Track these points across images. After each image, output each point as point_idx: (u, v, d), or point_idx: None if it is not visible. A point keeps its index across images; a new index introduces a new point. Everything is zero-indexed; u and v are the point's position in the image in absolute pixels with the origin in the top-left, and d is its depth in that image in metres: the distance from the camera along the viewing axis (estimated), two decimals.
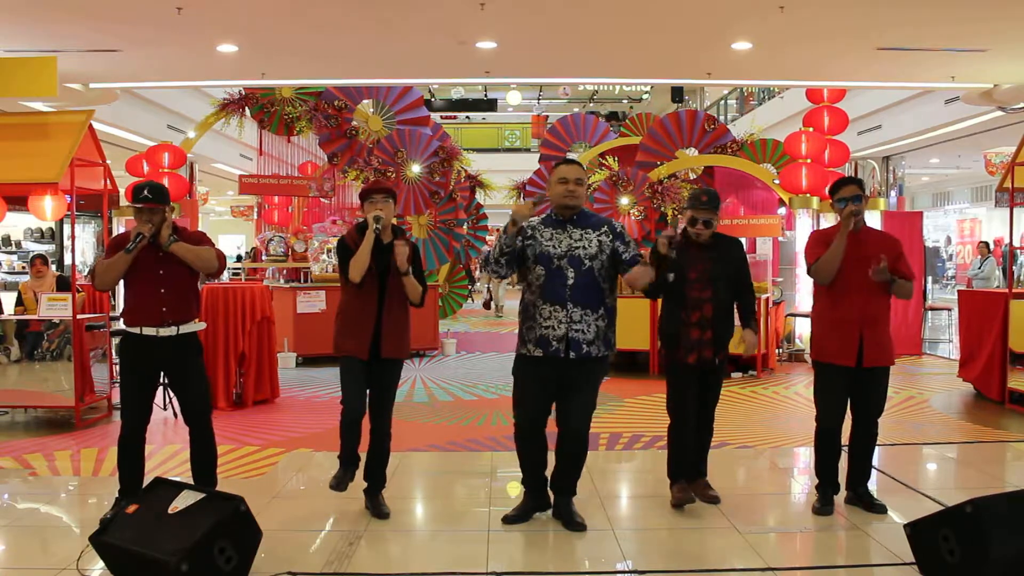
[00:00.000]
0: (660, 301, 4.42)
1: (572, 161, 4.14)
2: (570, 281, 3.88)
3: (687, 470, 4.35)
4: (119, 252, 3.97)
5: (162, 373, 4.22)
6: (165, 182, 10.23)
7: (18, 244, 14.55)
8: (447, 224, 11.73)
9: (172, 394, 6.62)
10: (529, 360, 3.97)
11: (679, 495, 4.26)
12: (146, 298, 4.03)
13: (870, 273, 4.05)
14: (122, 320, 4.17)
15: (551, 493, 4.16)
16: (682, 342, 4.20)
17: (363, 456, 4.28)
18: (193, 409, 4.18)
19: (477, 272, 18.23)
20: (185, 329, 4.10)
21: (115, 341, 7.42)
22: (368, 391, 4.22)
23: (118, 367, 4.22)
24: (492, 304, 17.72)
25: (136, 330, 4.04)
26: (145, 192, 3.99)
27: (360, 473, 4.28)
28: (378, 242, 4.16)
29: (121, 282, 4.10)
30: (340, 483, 4.17)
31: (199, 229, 4.47)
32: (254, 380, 7.40)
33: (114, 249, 4.05)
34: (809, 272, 4.30)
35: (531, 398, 4.01)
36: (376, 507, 4.26)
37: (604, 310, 3.97)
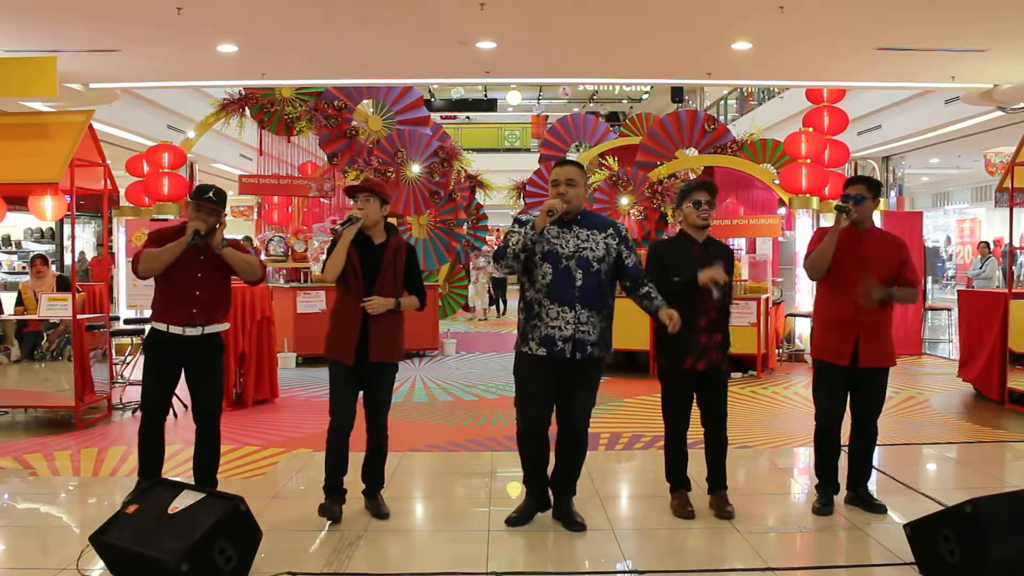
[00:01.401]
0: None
1: (566, 162, 4.07)
2: (579, 283, 3.87)
3: (686, 479, 4.33)
4: (177, 241, 4.05)
5: (183, 370, 4.26)
6: (165, 182, 10.25)
7: (18, 244, 14.58)
8: (447, 224, 11.73)
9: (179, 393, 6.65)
10: (531, 359, 3.95)
11: (679, 508, 4.24)
12: (179, 297, 4.12)
13: (860, 301, 4.03)
14: (150, 316, 4.27)
15: (551, 493, 4.16)
16: (693, 348, 4.14)
17: (356, 456, 4.24)
18: (204, 409, 4.23)
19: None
20: (210, 329, 4.19)
21: (116, 341, 7.44)
22: (362, 394, 4.17)
23: (142, 361, 4.32)
24: (474, 305, 17.34)
25: (163, 327, 4.13)
26: (210, 193, 4.13)
27: (357, 473, 4.25)
28: (367, 243, 4.10)
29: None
30: (330, 511, 4.07)
31: (237, 239, 4.52)
32: (254, 380, 7.40)
33: (157, 241, 4.13)
34: (804, 266, 4.28)
35: (534, 398, 4.00)
36: (376, 508, 4.24)
37: (607, 311, 3.99)
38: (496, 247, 4.01)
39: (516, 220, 4.03)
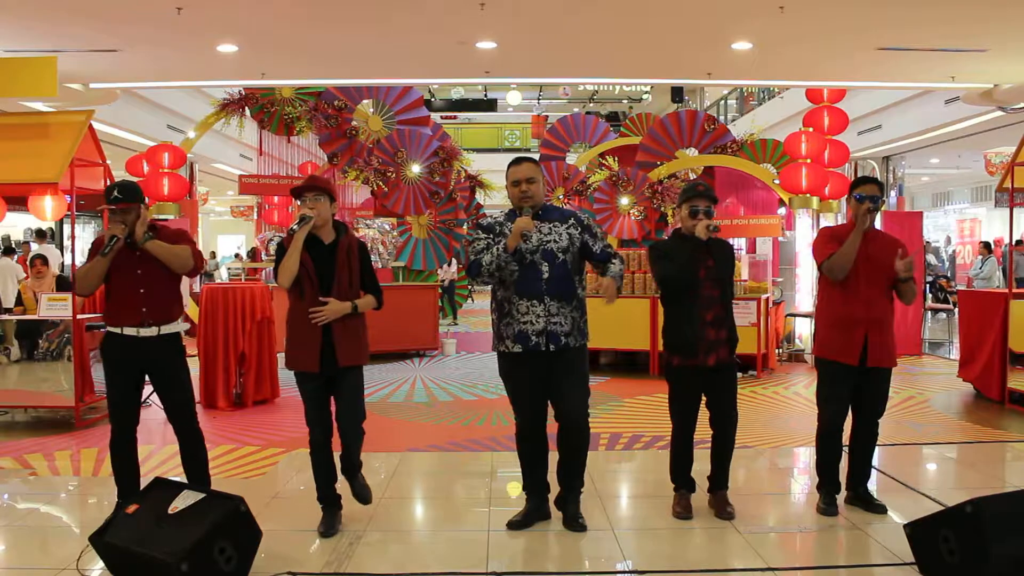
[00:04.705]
0: (662, 308, 4.37)
1: (522, 160, 4.06)
2: (545, 275, 3.88)
3: (690, 480, 4.33)
4: (96, 256, 3.95)
5: (146, 375, 4.12)
6: (165, 182, 10.24)
7: (18, 244, 14.55)
8: (447, 224, 11.72)
9: None
10: (509, 358, 3.96)
11: (679, 510, 4.24)
12: (126, 298, 4.00)
13: (898, 267, 4.04)
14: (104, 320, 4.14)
15: (558, 486, 4.13)
16: (700, 345, 4.12)
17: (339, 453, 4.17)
18: (176, 411, 4.15)
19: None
20: (167, 330, 4.05)
21: None
22: (333, 398, 4.06)
23: (103, 370, 4.19)
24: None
25: (117, 330, 4.01)
26: (115, 192, 3.97)
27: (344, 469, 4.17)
28: (319, 245, 3.98)
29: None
30: (330, 528, 4.00)
31: (182, 228, 4.40)
32: (254, 380, 7.40)
33: (93, 253, 4.03)
34: (821, 268, 4.26)
35: (524, 398, 4.01)
36: (356, 490, 4.13)
37: (577, 301, 3.99)
38: (470, 260, 3.95)
39: (478, 226, 4.06)
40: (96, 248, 4.03)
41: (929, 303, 13.98)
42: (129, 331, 3.99)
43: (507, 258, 3.85)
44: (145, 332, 3.99)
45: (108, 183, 6.89)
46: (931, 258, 17.91)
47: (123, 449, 4.10)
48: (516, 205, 4.01)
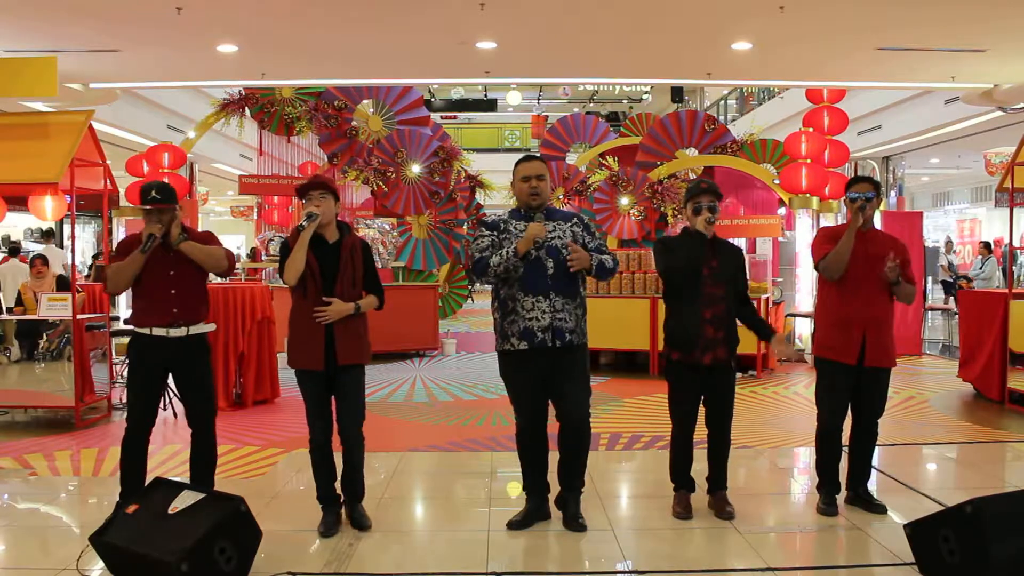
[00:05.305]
0: (664, 304, 4.38)
1: (532, 157, 4.09)
2: (550, 271, 3.89)
3: (690, 479, 4.32)
4: (132, 254, 3.98)
5: (169, 374, 4.17)
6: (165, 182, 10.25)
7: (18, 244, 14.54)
8: (447, 224, 11.72)
9: (172, 395, 6.65)
10: (514, 356, 3.95)
11: (679, 510, 4.23)
12: (157, 299, 4.04)
13: (886, 269, 4.04)
14: (128, 320, 4.16)
15: (558, 486, 4.13)
16: (697, 341, 4.11)
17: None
18: (198, 412, 4.16)
19: None
20: (195, 330, 4.10)
21: (116, 341, 7.44)
22: (333, 398, 4.06)
23: (126, 367, 4.23)
24: None
25: (146, 331, 4.05)
26: (153, 193, 4.00)
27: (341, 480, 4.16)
28: (322, 243, 4.00)
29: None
30: (330, 528, 3.99)
31: (209, 231, 4.44)
32: (254, 380, 7.40)
33: (122, 252, 4.06)
34: (817, 268, 4.27)
35: (525, 397, 4.01)
36: (356, 519, 4.10)
37: (580, 299, 4.01)
38: (474, 257, 3.94)
39: (482, 223, 4.08)
40: (126, 247, 4.06)
41: (930, 303, 13.97)
42: (158, 331, 4.02)
43: (516, 262, 3.86)
44: (175, 332, 4.03)
45: (108, 183, 6.94)
46: (953, 258, 17.81)
47: (135, 449, 4.11)
48: (523, 202, 4.01)
